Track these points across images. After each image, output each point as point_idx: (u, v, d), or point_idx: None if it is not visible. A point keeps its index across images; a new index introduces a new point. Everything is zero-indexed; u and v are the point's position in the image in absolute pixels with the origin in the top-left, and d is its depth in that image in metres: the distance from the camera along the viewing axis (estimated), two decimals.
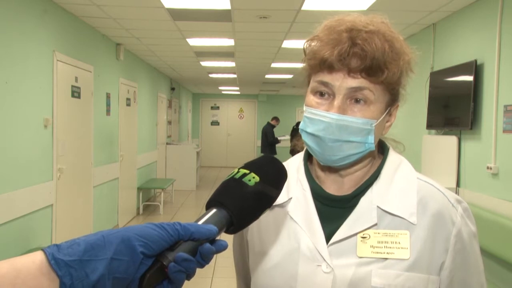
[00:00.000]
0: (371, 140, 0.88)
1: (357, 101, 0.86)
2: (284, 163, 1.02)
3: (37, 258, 0.56)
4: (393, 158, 0.96)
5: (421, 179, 0.93)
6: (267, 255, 0.94)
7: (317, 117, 0.87)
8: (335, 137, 0.86)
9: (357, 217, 0.89)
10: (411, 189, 0.91)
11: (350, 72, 0.84)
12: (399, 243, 0.86)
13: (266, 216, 0.96)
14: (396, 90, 0.90)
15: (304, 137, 0.91)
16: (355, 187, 0.93)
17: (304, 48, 0.93)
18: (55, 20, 4.47)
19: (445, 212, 0.89)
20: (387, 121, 0.93)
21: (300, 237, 0.91)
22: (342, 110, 0.86)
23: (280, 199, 0.94)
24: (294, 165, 1.00)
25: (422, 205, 0.89)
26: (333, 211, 0.92)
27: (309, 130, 0.89)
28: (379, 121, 0.89)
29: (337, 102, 0.86)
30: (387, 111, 0.91)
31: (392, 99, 0.91)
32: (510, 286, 3.41)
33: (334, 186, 0.95)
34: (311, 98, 0.90)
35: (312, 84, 0.90)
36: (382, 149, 0.99)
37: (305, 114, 0.90)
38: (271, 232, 0.95)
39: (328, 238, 0.89)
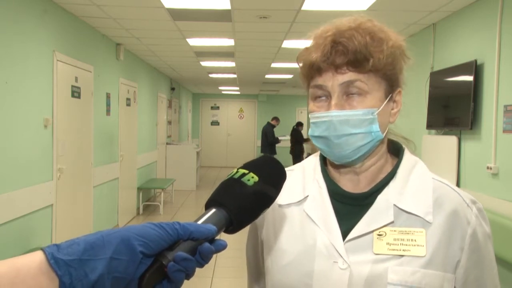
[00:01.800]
0: (376, 128, 0.89)
1: (353, 94, 0.89)
2: (299, 164, 1.04)
3: (37, 257, 0.56)
4: (408, 158, 0.97)
5: (436, 179, 0.95)
6: (283, 252, 0.95)
7: (319, 119, 0.91)
8: (339, 133, 0.89)
9: (374, 214, 0.90)
10: (427, 188, 0.92)
11: (337, 69, 0.88)
12: (415, 240, 0.87)
13: (283, 214, 0.98)
14: (391, 75, 0.91)
15: (314, 141, 0.94)
16: (371, 184, 0.94)
17: (297, 61, 0.97)
18: (55, 20, 4.47)
19: (461, 212, 0.90)
20: (392, 109, 0.94)
21: (316, 234, 0.92)
22: (340, 106, 0.88)
23: (296, 197, 0.97)
24: (310, 165, 1.02)
25: (438, 204, 0.90)
26: (349, 208, 0.93)
27: (315, 133, 0.92)
28: (380, 109, 0.90)
29: (333, 100, 0.89)
30: (388, 98, 0.92)
31: (390, 85, 0.92)
32: (510, 286, 3.41)
33: (349, 185, 0.96)
34: (312, 105, 0.93)
35: (310, 91, 0.94)
36: (397, 150, 0.99)
37: (310, 121, 0.94)
38: (287, 229, 0.96)
39: (344, 235, 0.90)
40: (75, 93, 4.97)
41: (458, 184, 4.29)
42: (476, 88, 3.98)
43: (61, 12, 4.63)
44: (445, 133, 4.63)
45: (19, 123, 3.77)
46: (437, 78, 4.74)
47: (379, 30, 0.91)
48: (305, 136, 12.18)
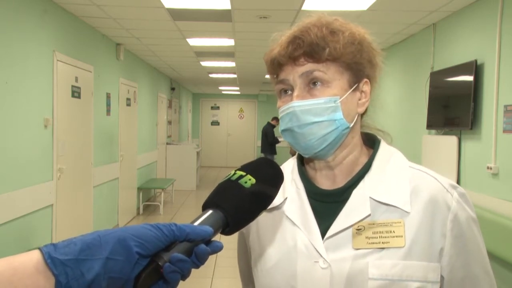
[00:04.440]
0: (340, 116, 0.89)
1: (314, 84, 0.90)
2: (281, 167, 1.04)
3: (34, 256, 0.56)
4: (384, 149, 0.96)
5: (413, 167, 0.94)
6: (266, 256, 0.94)
7: (283, 113, 0.92)
8: (302, 122, 0.89)
9: (350, 209, 0.89)
10: (403, 178, 0.91)
11: (295, 61, 0.90)
12: (394, 232, 0.86)
13: (265, 219, 0.97)
14: (353, 65, 0.90)
15: (283, 137, 0.95)
16: (347, 179, 0.93)
17: (264, 61, 0.98)
18: (55, 20, 4.47)
19: (439, 198, 0.88)
20: (359, 99, 0.93)
21: (296, 235, 0.91)
22: (301, 97, 0.89)
23: (276, 201, 0.95)
24: (288, 168, 1.02)
25: (415, 193, 0.89)
26: (327, 206, 0.92)
27: (282, 127, 0.93)
28: (344, 97, 0.89)
29: (295, 92, 0.90)
30: (354, 87, 0.91)
31: (355, 75, 0.91)
32: (510, 286, 3.41)
33: (327, 182, 0.95)
34: (278, 101, 0.95)
35: (276, 88, 0.95)
36: (372, 142, 0.98)
37: (279, 117, 0.95)
38: (269, 234, 0.96)
39: (323, 233, 0.89)
40: (75, 93, 4.97)
41: (458, 184, 4.29)
42: (476, 88, 3.98)
43: (61, 12, 4.63)
44: (445, 133, 4.63)
45: (19, 123, 3.78)
46: (437, 78, 4.74)
47: (339, 24, 0.92)
48: None
